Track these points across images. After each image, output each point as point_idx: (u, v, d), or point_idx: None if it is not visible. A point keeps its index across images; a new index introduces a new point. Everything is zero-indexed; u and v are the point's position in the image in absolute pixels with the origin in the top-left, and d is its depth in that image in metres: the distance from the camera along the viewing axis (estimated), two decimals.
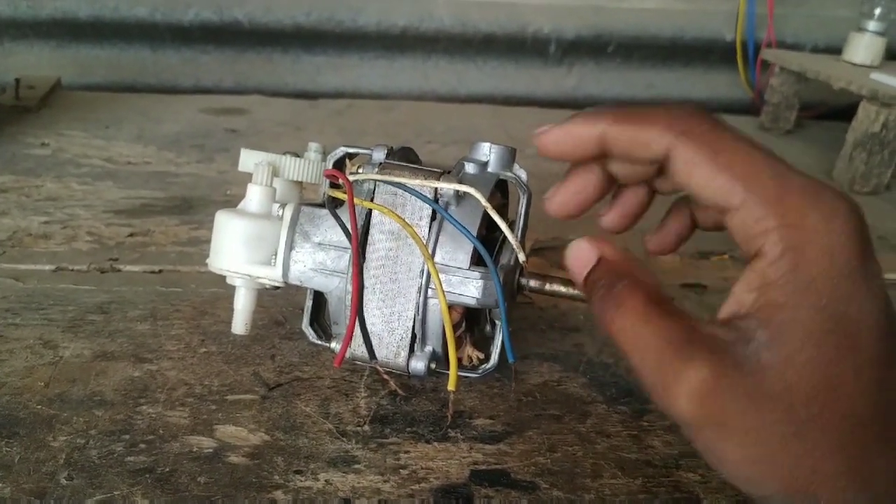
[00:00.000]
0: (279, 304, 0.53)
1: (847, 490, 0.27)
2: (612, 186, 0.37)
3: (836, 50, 1.06)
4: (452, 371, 0.32)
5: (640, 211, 0.38)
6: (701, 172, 0.29)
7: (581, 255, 0.33)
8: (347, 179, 0.35)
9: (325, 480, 0.37)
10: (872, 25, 0.99)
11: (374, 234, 0.37)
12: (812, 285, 0.27)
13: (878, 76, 0.90)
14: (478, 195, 0.36)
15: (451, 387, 0.33)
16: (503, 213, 0.44)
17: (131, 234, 0.64)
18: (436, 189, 0.36)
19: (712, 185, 0.29)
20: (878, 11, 0.98)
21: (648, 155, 0.31)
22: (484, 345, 0.43)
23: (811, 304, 0.27)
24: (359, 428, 0.41)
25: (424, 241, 0.36)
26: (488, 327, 0.44)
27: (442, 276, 0.36)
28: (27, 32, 1.13)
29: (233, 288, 0.41)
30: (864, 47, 1.00)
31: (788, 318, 0.27)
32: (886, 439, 0.27)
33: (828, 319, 0.27)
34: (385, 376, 0.37)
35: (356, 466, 0.38)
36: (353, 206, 0.35)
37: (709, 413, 0.27)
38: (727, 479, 0.29)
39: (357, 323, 0.36)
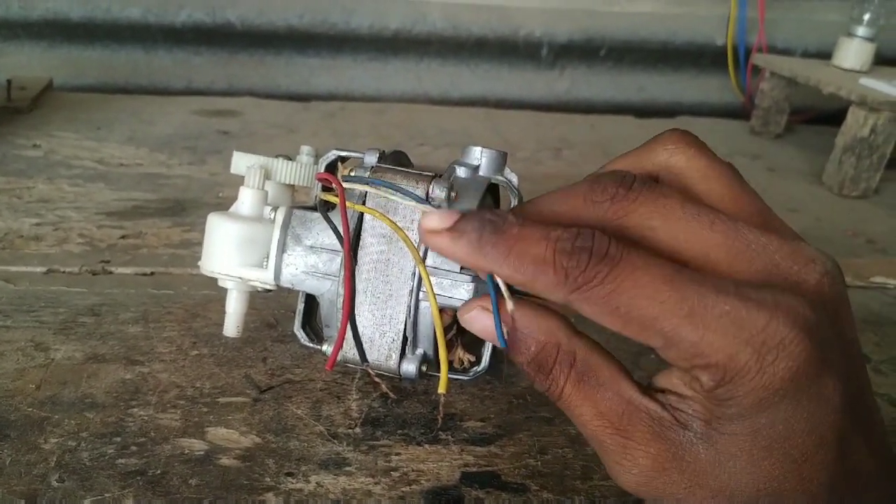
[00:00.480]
0: (271, 306, 0.53)
1: None
2: None
3: (826, 55, 1.07)
4: (443, 374, 0.33)
5: None
6: (610, 324, 0.27)
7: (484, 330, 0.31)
8: (339, 183, 0.35)
9: (317, 482, 0.37)
10: (862, 31, 1.00)
11: (366, 238, 0.37)
12: (747, 413, 0.26)
13: (867, 81, 0.91)
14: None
15: (441, 390, 0.33)
16: None
17: (123, 237, 0.64)
18: (427, 192, 0.36)
19: (628, 334, 0.27)
20: (867, 17, 0.99)
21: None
22: (475, 348, 0.43)
23: (746, 427, 0.26)
24: (350, 430, 0.41)
25: (416, 245, 0.36)
26: None
27: (433, 279, 0.36)
28: (18, 33, 1.12)
29: (224, 291, 0.42)
30: (853, 52, 1.00)
31: (725, 430, 0.26)
32: None
33: (763, 441, 0.26)
34: (376, 379, 0.37)
35: (347, 468, 0.39)
36: (344, 209, 0.35)
37: (651, 494, 0.28)
38: None
39: (349, 326, 0.36)
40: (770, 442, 0.26)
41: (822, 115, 1.19)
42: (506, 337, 0.30)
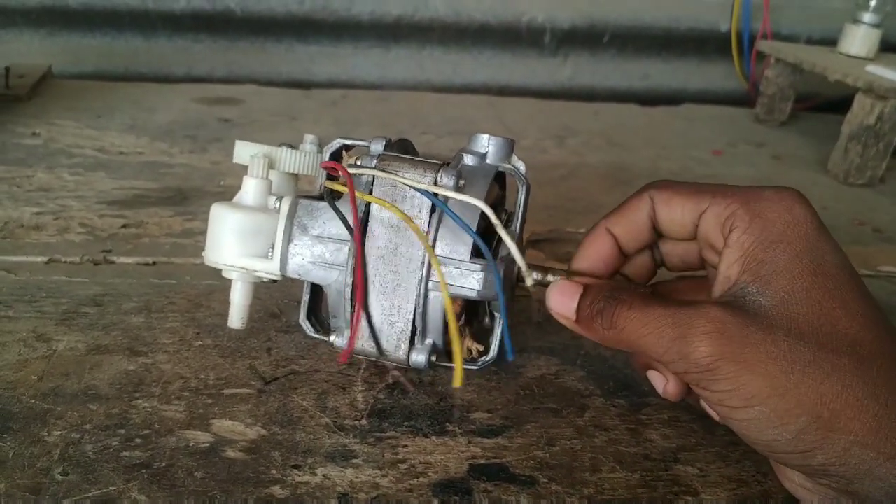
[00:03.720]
0: (275, 296, 0.53)
1: (881, 417, 0.29)
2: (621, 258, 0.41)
3: (830, 41, 1.06)
4: (458, 367, 0.32)
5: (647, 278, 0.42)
6: (676, 200, 0.36)
7: (565, 290, 0.36)
8: (348, 172, 0.35)
9: (323, 475, 0.37)
10: (868, 17, 0.99)
11: (374, 226, 0.37)
12: (783, 238, 0.32)
13: (873, 68, 0.90)
14: (481, 204, 0.35)
15: (457, 383, 0.32)
16: (501, 205, 0.44)
17: (124, 226, 0.63)
18: (435, 181, 0.36)
19: (687, 203, 0.36)
20: (873, 3, 0.98)
21: (640, 222, 0.38)
22: (483, 337, 0.42)
23: (788, 253, 0.31)
24: (356, 422, 0.41)
25: (424, 234, 0.36)
26: (487, 319, 0.44)
27: (442, 269, 0.36)
28: (17, 20, 1.11)
29: (227, 280, 0.41)
30: (859, 39, 0.99)
31: (772, 269, 0.31)
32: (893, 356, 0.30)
33: (808, 264, 0.31)
34: (394, 372, 0.37)
35: (354, 461, 0.38)
36: (354, 199, 0.34)
37: (729, 349, 0.30)
38: (750, 434, 0.31)
39: (363, 318, 0.36)
40: (816, 267, 0.31)
41: (828, 102, 1.18)
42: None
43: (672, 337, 0.31)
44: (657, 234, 0.39)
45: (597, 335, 0.35)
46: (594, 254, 0.39)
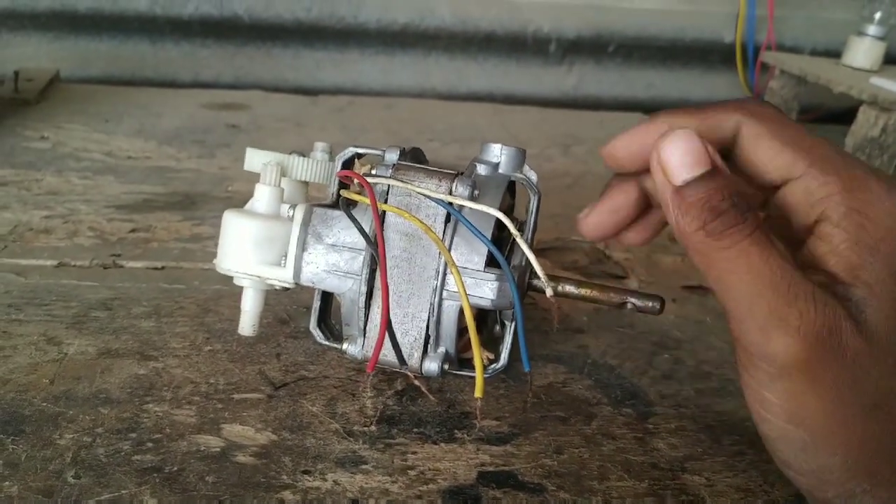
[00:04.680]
0: (284, 302, 0.53)
1: None
2: (647, 206, 0.36)
3: (835, 53, 1.06)
4: (479, 378, 0.32)
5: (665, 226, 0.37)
6: (767, 144, 0.30)
7: (689, 151, 0.29)
8: (368, 183, 0.35)
9: (334, 481, 0.37)
10: (873, 30, 0.99)
11: (389, 235, 0.37)
12: (882, 246, 0.27)
13: (877, 80, 0.91)
14: (499, 214, 0.35)
15: (478, 394, 0.32)
16: (511, 214, 0.44)
17: (133, 230, 0.63)
18: (450, 191, 0.36)
19: (778, 156, 0.29)
20: (878, 16, 0.98)
21: (719, 134, 0.31)
22: (492, 345, 0.43)
23: (889, 264, 0.27)
24: (366, 428, 0.41)
25: (444, 243, 0.36)
26: (497, 327, 0.44)
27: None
28: (25, 24, 1.12)
29: (236, 285, 0.41)
30: (863, 51, 1.00)
31: (874, 277, 0.27)
32: None
33: None
34: (415, 381, 0.37)
35: (364, 467, 0.38)
36: (376, 208, 0.34)
37: (814, 360, 0.26)
38: (771, 438, 0.28)
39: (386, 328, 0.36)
40: None
41: (832, 114, 1.18)
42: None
43: (768, 307, 0.26)
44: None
45: (685, 232, 0.28)
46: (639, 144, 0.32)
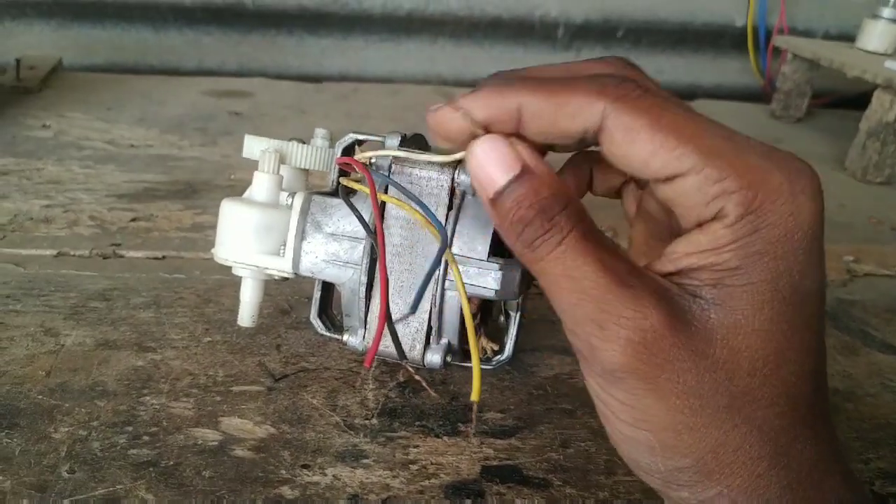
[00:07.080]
0: (284, 292, 0.52)
1: (762, 477, 0.25)
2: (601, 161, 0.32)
3: (848, 37, 1.04)
4: (476, 380, 0.30)
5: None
6: (644, 138, 0.25)
7: (496, 159, 0.27)
8: (369, 171, 0.34)
9: (333, 475, 0.36)
10: (887, 12, 0.97)
11: (389, 223, 0.36)
12: (770, 251, 0.24)
13: (892, 64, 0.89)
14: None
15: (474, 397, 0.30)
16: None
17: (134, 219, 0.63)
18: (452, 179, 0.35)
19: (659, 150, 0.25)
20: None
21: (576, 127, 0.27)
22: (497, 335, 0.42)
23: (768, 271, 0.24)
24: (367, 421, 0.40)
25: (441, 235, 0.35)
26: (501, 318, 0.43)
27: (459, 268, 0.35)
28: (28, 12, 1.11)
29: (237, 276, 0.40)
30: (878, 35, 0.98)
31: (742, 282, 0.25)
32: (811, 425, 0.26)
33: (783, 290, 0.25)
34: (416, 377, 0.36)
35: (364, 461, 0.38)
36: (376, 199, 0.33)
37: (645, 367, 0.25)
38: (620, 444, 0.27)
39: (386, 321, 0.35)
40: (790, 294, 0.25)
41: (845, 98, 1.16)
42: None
43: (588, 315, 0.25)
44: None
45: (509, 244, 0.27)
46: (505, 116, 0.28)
